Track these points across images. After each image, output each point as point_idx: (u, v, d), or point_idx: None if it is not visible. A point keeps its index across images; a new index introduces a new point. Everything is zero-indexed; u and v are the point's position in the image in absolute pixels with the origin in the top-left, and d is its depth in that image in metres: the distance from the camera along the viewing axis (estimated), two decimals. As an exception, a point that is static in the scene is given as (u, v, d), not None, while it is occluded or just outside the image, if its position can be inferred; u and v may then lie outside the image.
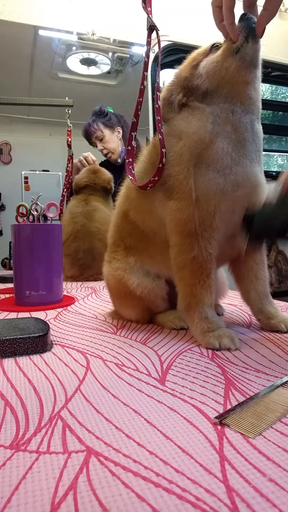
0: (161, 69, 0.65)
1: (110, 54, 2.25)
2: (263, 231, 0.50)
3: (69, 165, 1.53)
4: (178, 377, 0.38)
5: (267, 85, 2.91)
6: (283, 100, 3.07)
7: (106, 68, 2.36)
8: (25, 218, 0.97)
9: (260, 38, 0.50)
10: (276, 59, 2.45)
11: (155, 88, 0.58)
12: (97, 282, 1.25)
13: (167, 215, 0.53)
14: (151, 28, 0.61)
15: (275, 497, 0.20)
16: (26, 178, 2.57)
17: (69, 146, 1.53)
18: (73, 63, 2.28)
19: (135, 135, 0.61)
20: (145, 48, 0.62)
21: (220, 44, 0.52)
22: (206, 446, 0.25)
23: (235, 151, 0.50)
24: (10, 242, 0.96)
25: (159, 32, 0.61)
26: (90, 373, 0.40)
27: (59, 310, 0.76)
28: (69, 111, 1.52)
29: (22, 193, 2.53)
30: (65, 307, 0.78)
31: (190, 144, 0.50)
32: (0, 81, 2.16)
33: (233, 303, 0.79)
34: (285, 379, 0.36)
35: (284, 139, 3.18)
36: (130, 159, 0.60)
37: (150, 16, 0.61)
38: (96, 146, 1.68)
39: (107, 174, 1.45)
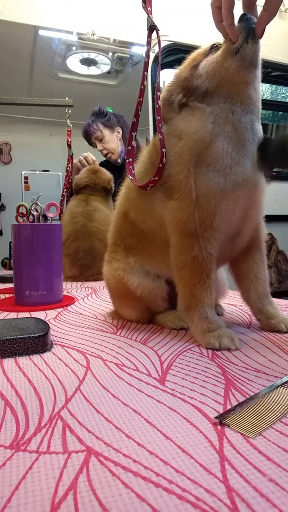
0: (161, 69, 0.65)
1: (110, 54, 2.25)
2: (277, 153, 0.49)
3: (69, 165, 1.53)
4: (178, 377, 0.38)
5: (267, 85, 2.91)
6: (283, 100, 3.07)
7: (106, 68, 2.36)
8: (25, 218, 0.97)
9: (260, 38, 0.50)
10: (276, 59, 2.45)
11: (155, 88, 0.58)
12: (97, 282, 1.25)
13: (167, 215, 0.53)
14: (151, 28, 0.61)
15: (275, 497, 0.20)
16: (26, 178, 2.57)
17: (69, 146, 1.53)
18: (73, 63, 2.29)
19: (135, 135, 0.61)
20: (145, 48, 0.62)
21: (220, 44, 0.52)
22: (206, 446, 0.25)
23: (235, 151, 0.50)
24: (10, 242, 0.96)
25: (159, 32, 0.61)
26: (90, 373, 0.40)
27: (59, 310, 0.76)
28: (69, 111, 1.52)
29: (22, 193, 2.53)
30: (65, 307, 0.78)
31: (190, 144, 0.50)
32: (0, 81, 2.16)
33: (233, 303, 0.79)
34: (285, 379, 0.36)
35: (284, 139, 3.17)
36: (130, 159, 0.60)
37: (150, 16, 0.61)
38: (96, 147, 1.68)
39: (107, 174, 1.45)
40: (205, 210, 0.49)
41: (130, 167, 0.60)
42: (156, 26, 0.61)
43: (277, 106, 3.02)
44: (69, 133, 1.52)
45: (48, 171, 2.60)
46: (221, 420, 0.28)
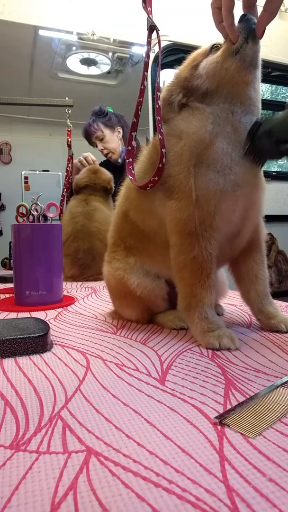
0: (161, 69, 0.65)
1: (110, 54, 2.25)
2: (265, 137, 0.49)
3: (69, 165, 1.53)
4: (178, 377, 0.38)
5: (267, 85, 2.91)
6: (283, 100, 3.07)
7: (106, 68, 2.36)
8: (25, 218, 0.97)
9: (260, 39, 0.50)
10: (276, 59, 2.46)
11: (155, 88, 0.58)
12: (97, 282, 1.25)
13: (167, 215, 0.53)
14: (151, 28, 0.61)
15: (275, 497, 0.20)
16: (26, 178, 2.57)
17: (69, 146, 1.53)
18: (73, 63, 2.28)
19: (135, 135, 0.61)
20: (145, 48, 0.62)
21: (220, 44, 0.52)
22: (206, 446, 0.25)
23: (235, 151, 0.50)
24: (10, 242, 0.96)
25: (159, 32, 0.61)
26: (90, 373, 0.40)
27: (59, 310, 0.76)
28: (69, 111, 1.52)
29: (22, 193, 2.53)
30: (65, 307, 0.78)
31: (190, 144, 0.50)
32: (0, 81, 2.16)
33: (233, 303, 0.79)
34: (285, 379, 0.36)
35: (284, 139, 3.18)
36: (130, 159, 0.60)
37: (150, 16, 0.61)
38: (96, 146, 1.68)
39: (107, 174, 1.45)
40: (205, 210, 0.49)
41: (130, 167, 0.60)
42: (156, 26, 0.61)
43: (277, 106, 3.02)
44: (69, 133, 1.52)
45: (48, 171, 2.60)
46: (221, 420, 0.28)
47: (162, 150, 0.52)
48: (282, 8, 2.44)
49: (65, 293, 0.96)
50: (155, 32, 0.61)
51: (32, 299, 0.78)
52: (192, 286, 0.50)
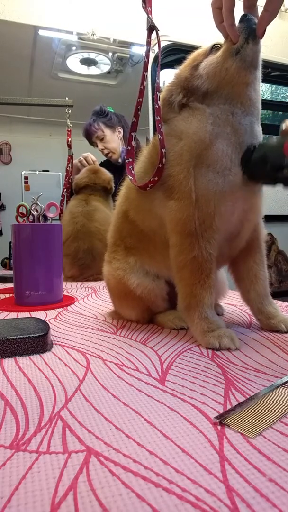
0: (161, 69, 0.65)
1: (110, 54, 2.25)
2: (259, 163, 0.49)
3: (69, 165, 1.53)
4: (178, 377, 0.38)
5: (267, 85, 2.91)
6: (283, 100, 3.07)
7: (106, 68, 2.36)
8: (25, 218, 0.97)
9: (261, 39, 0.50)
10: (276, 59, 2.45)
11: (155, 88, 0.58)
12: (97, 282, 1.25)
13: (167, 215, 0.53)
14: (151, 28, 0.61)
15: (275, 497, 0.20)
16: (26, 178, 2.57)
17: (69, 146, 1.53)
18: (73, 63, 2.28)
19: (135, 135, 0.61)
20: (145, 48, 0.62)
21: (220, 44, 0.52)
22: (206, 446, 0.25)
23: (234, 153, 0.50)
24: (10, 242, 0.96)
25: (159, 32, 0.61)
26: (90, 373, 0.40)
27: (59, 310, 0.76)
28: (69, 111, 1.52)
29: (22, 193, 2.53)
30: (65, 307, 0.78)
31: (190, 144, 0.50)
32: (0, 81, 2.16)
33: (233, 303, 0.79)
34: (285, 379, 0.36)
35: (284, 139, 3.17)
36: (130, 159, 0.60)
37: (150, 16, 0.61)
38: (97, 146, 1.68)
39: (107, 174, 1.45)
40: (204, 210, 0.49)
41: (130, 167, 0.60)
42: (156, 26, 0.60)
43: (277, 106, 3.02)
44: (69, 133, 1.52)
45: (48, 171, 2.60)
46: (221, 420, 0.28)
47: (162, 150, 0.52)
48: (282, 8, 2.44)
49: (65, 293, 0.96)
50: (155, 32, 0.61)
51: (32, 299, 0.78)
52: (192, 286, 0.50)
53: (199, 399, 0.33)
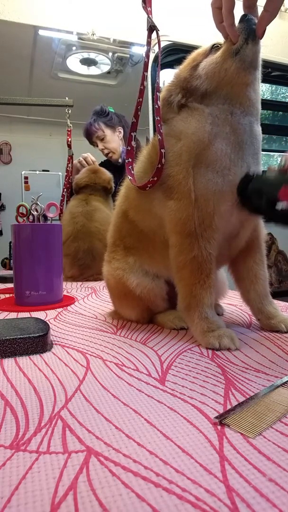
0: (161, 69, 0.65)
1: (110, 54, 2.25)
2: (255, 196, 0.49)
3: (69, 165, 1.53)
4: (178, 377, 0.38)
5: (267, 85, 2.91)
6: (283, 100, 3.07)
7: (106, 68, 2.36)
8: (25, 218, 0.97)
9: (261, 39, 0.50)
10: (276, 59, 2.45)
11: (155, 88, 0.58)
12: (97, 282, 1.25)
13: (167, 215, 0.53)
14: (151, 28, 0.61)
15: (275, 497, 0.20)
16: (26, 178, 2.57)
17: (69, 146, 1.53)
18: (73, 63, 2.28)
19: (135, 135, 0.61)
20: (145, 48, 0.62)
21: (220, 44, 0.52)
22: (206, 446, 0.25)
23: (234, 152, 0.50)
24: (10, 242, 0.96)
25: (159, 32, 0.61)
26: (90, 373, 0.40)
27: (59, 310, 0.76)
28: (69, 111, 1.52)
29: (22, 193, 2.53)
30: (65, 307, 0.78)
31: (189, 144, 0.50)
32: (0, 81, 2.16)
33: (233, 303, 0.79)
34: (285, 379, 0.36)
35: (284, 139, 3.18)
36: (130, 159, 0.60)
37: (150, 16, 0.61)
38: (97, 146, 1.68)
39: (107, 174, 1.45)
40: (204, 210, 0.49)
41: (130, 167, 0.60)
42: (156, 26, 0.60)
43: (277, 106, 3.02)
44: (69, 133, 1.52)
45: (48, 171, 2.60)
46: (221, 420, 0.28)
47: (162, 150, 0.52)
48: (282, 8, 2.44)
49: (65, 293, 0.96)
50: (155, 32, 0.61)
51: (32, 299, 0.78)
52: (192, 286, 0.50)
53: (199, 399, 0.33)
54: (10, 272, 1.26)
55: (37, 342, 0.47)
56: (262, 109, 0.55)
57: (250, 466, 0.23)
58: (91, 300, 0.87)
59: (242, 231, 0.54)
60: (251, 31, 0.49)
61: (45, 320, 0.63)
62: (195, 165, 0.50)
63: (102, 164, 1.63)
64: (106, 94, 2.53)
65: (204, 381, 0.37)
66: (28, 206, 0.95)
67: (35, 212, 0.90)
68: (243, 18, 0.49)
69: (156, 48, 1.04)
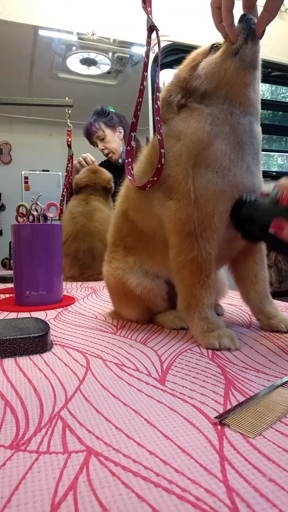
0: (161, 69, 0.65)
1: (110, 54, 2.25)
2: (247, 221, 0.49)
3: (69, 165, 1.53)
4: (178, 377, 0.38)
5: (267, 85, 2.91)
6: (283, 100, 3.07)
7: (106, 68, 2.36)
8: (25, 218, 0.97)
9: (260, 39, 0.50)
10: (276, 59, 2.45)
11: (155, 89, 0.58)
12: (97, 282, 1.25)
13: (166, 215, 0.53)
14: (151, 28, 0.61)
15: (275, 497, 0.20)
16: (26, 178, 2.57)
17: (69, 146, 1.53)
18: (73, 63, 2.29)
19: (135, 135, 0.61)
20: (145, 48, 0.62)
21: (220, 44, 0.52)
22: (206, 446, 0.25)
23: (233, 152, 0.50)
24: (10, 242, 0.96)
25: (159, 32, 0.61)
26: (90, 373, 0.40)
27: (59, 310, 0.76)
28: (69, 111, 1.52)
29: (22, 193, 2.53)
30: (65, 307, 0.78)
31: (189, 144, 0.50)
32: (0, 81, 2.16)
33: (233, 303, 0.79)
34: (285, 379, 0.36)
35: (284, 139, 3.18)
36: (129, 159, 0.60)
37: (150, 16, 0.61)
38: (97, 146, 1.68)
39: (106, 173, 1.45)
40: (204, 210, 0.49)
41: (129, 167, 0.60)
42: (156, 26, 0.60)
43: (277, 106, 3.02)
44: (69, 133, 1.52)
45: (48, 171, 2.60)
46: (221, 420, 0.28)
47: (161, 150, 0.52)
48: (282, 8, 2.44)
49: (65, 293, 0.96)
50: (155, 32, 0.61)
51: (32, 299, 0.78)
52: (191, 286, 0.50)
53: (199, 399, 0.33)
54: (10, 272, 1.26)
55: (37, 342, 0.47)
56: (262, 109, 0.55)
57: (250, 466, 0.23)
58: (91, 300, 0.87)
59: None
60: (250, 30, 0.49)
61: (45, 320, 0.63)
62: (195, 165, 0.50)
63: (102, 164, 1.63)
64: (106, 94, 2.53)
65: (204, 381, 0.37)
66: (28, 206, 0.95)
67: (35, 212, 0.90)
68: (243, 18, 0.49)
69: (156, 48, 1.04)
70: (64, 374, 0.40)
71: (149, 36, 0.62)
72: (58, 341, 0.53)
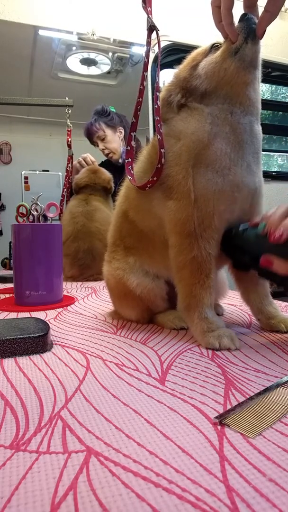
0: (161, 69, 0.65)
1: (110, 54, 2.25)
2: (238, 252, 0.50)
3: (69, 165, 1.53)
4: (178, 377, 0.38)
5: (267, 85, 2.92)
6: (283, 100, 3.07)
7: (106, 68, 2.37)
8: (25, 218, 0.97)
9: (260, 39, 0.50)
10: (276, 59, 2.46)
11: (155, 88, 0.58)
12: (97, 282, 1.25)
13: (166, 215, 0.53)
14: (151, 28, 0.61)
15: (275, 497, 0.20)
16: (26, 178, 2.57)
17: (69, 146, 1.53)
18: (73, 63, 2.29)
19: (135, 135, 0.61)
20: (145, 48, 0.62)
21: (220, 44, 0.52)
22: (206, 446, 0.25)
23: (234, 152, 0.50)
24: (10, 242, 0.96)
25: (159, 32, 0.61)
26: (90, 373, 0.40)
27: (59, 310, 0.76)
28: (69, 111, 1.52)
29: (22, 193, 2.53)
30: (65, 307, 0.78)
31: (189, 144, 0.50)
32: (0, 81, 2.16)
33: (233, 303, 0.79)
34: (285, 379, 0.36)
35: (284, 139, 3.18)
36: (129, 159, 0.60)
37: (150, 16, 0.61)
38: (97, 146, 1.68)
39: (106, 173, 1.45)
40: (204, 210, 0.49)
41: (129, 167, 0.60)
42: (156, 26, 0.60)
43: (277, 106, 3.02)
44: (69, 133, 1.52)
45: (48, 171, 2.60)
46: (221, 420, 0.28)
47: (161, 150, 0.52)
48: (282, 8, 2.44)
49: (65, 293, 0.96)
50: (155, 32, 0.61)
51: (32, 299, 0.78)
52: (191, 286, 0.50)
53: (199, 399, 0.33)
54: (10, 272, 1.26)
55: (37, 342, 0.47)
56: (262, 109, 0.55)
57: (250, 466, 0.23)
58: (91, 300, 0.87)
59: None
60: (250, 30, 0.49)
61: (45, 320, 0.63)
62: (195, 165, 0.50)
63: (102, 164, 1.63)
64: (106, 94, 2.53)
65: (204, 381, 0.37)
66: (28, 206, 0.95)
67: (35, 212, 0.90)
68: (243, 17, 0.49)
69: (156, 48, 1.04)
70: (64, 374, 0.40)
71: (149, 36, 0.62)
72: (58, 341, 0.53)
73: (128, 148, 0.61)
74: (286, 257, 0.43)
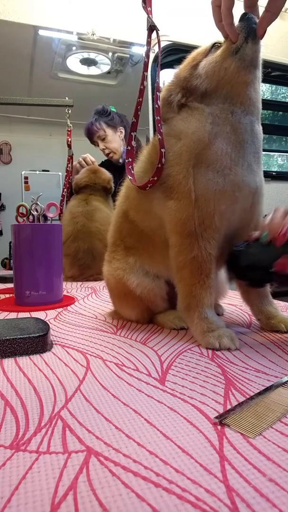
0: (161, 69, 0.65)
1: (110, 54, 2.25)
2: (249, 271, 0.50)
3: (69, 165, 1.53)
4: (178, 377, 0.38)
5: (267, 85, 2.91)
6: (283, 100, 3.07)
7: (106, 68, 2.36)
8: (25, 218, 0.97)
9: (261, 39, 0.49)
10: (276, 59, 2.46)
11: (155, 88, 0.58)
12: (97, 282, 1.25)
13: (167, 215, 0.53)
14: (151, 28, 0.61)
15: (275, 497, 0.20)
16: (26, 178, 2.56)
17: (69, 146, 1.53)
18: (73, 63, 2.29)
19: (135, 135, 0.61)
20: (145, 48, 0.62)
21: (220, 43, 0.52)
22: (206, 446, 0.25)
23: (234, 151, 0.50)
24: (10, 242, 0.96)
25: (159, 32, 0.61)
26: (90, 373, 0.40)
27: (59, 310, 0.76)
28: (69, 111, 1.52)
29: (22, 193, 2.53)
30: (65, 307, 0.78)
31: (189, 144, 0.50)
32: (0, 81, 2.16)
33: (233, 303, 0.79)
34: (285, 379, 0.36)
35: (284, 139, 3.18)
36: (130, 159, 0.60)
37: (150, 16, 0.61)
38: (98, 145, 1.68)
39: (106, 173, 1.45)
40: (204, 210, 0.49)
41: (130, 167, 0.60)
42: (156, 26, 0.60)
43: (277, 106, 3.02)
44: (69, 133, 1.52)
45: (48, 171, 2.60)
46: (221, 420, 0.28)
47: (162, 150, 0.52)
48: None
49: (65, 293, 0.96)
50: (155, 32, 0.61)
51: (32, 299, 0.78)
52: (191, 286, 0.50)
53: (199, 399, 0.33)
54: (10, 272, 1.26)
55: (37, 342, 0.47)
56: (262, 109, 0.54)
57: (250, 466, 0.23)
58: (91, 300, 0.87)
59: (243, 231, 0.54)
60: (251, 30, 0.48)
61: (45, 320, 0.63)
62: (196, 164, 0.50)
63: (102, 164, 1.63)
64: (106, 94, 2.52)
65: (204, 381, 0.37)
66: (28, 206, 0.95)
67: (35, 212, 0.90)
68: (243, 17, 0.49)
69: (156, 48, 1.04)
70: (64, 374, 0.40)
71: (149, 36, 0.62)
72: (58, 341, 0.53)
73: (129, 148, 0.61)
74: None
